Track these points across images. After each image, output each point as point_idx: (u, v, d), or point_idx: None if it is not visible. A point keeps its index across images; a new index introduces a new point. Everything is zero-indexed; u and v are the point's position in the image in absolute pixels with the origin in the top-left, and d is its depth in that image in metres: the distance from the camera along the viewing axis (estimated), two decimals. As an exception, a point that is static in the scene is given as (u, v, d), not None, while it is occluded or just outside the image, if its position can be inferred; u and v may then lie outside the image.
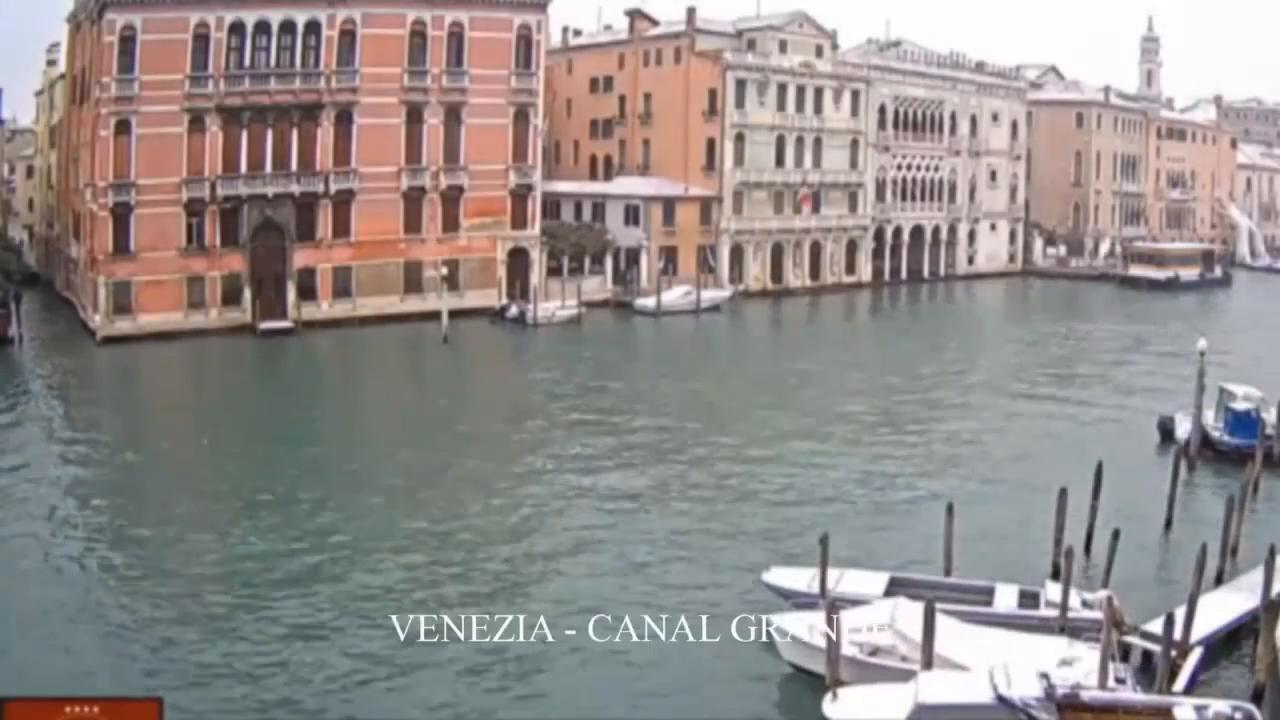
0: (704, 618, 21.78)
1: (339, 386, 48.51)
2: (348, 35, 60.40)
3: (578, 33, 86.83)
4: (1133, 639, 19.44)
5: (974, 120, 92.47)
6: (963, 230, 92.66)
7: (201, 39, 56.99)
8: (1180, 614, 18.54)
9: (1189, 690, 18.00)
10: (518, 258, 66.80)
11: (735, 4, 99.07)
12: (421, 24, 62.50)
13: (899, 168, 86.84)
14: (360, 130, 60.97)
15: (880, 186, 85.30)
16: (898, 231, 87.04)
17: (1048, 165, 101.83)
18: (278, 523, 27.53)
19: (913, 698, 16.55)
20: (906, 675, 17.49)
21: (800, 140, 79.43)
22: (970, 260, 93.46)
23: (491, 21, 64.61)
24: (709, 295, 69.93)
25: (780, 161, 78.46)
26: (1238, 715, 16.41)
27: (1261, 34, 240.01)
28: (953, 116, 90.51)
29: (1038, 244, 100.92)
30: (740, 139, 76.13)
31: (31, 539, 26.19)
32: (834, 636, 17.82)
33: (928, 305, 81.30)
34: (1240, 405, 34.42)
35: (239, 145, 58.13)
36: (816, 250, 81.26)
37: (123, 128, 55.88)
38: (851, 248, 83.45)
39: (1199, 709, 16.48)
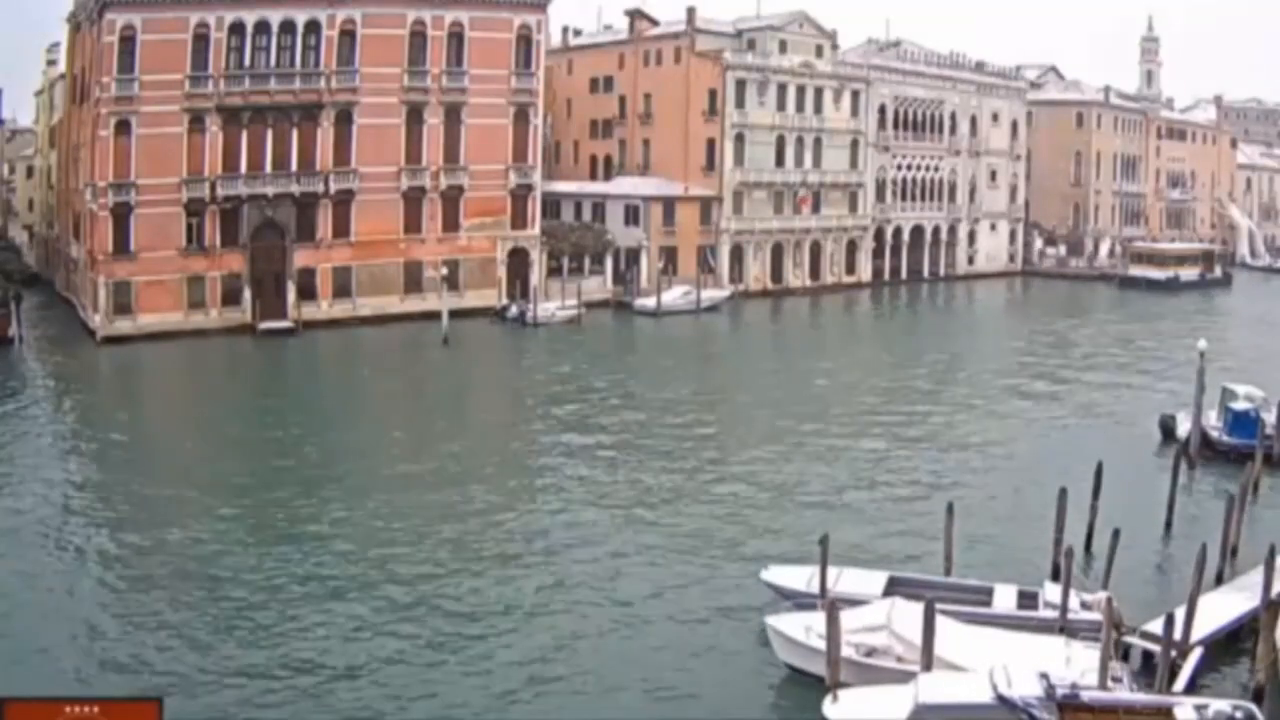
0: (703, 617, 21.82)
1: (339, 387, 48.51)
2: (348, 35, 60.41)
3: (578, 33, 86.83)
4: (1133, 639, 19.44)
5: (974, 120, 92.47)
6: (963, 230, 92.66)
7: (201, 39, 56.98)
8: (1180, 614, 18.54)
9: (1189, 690, 18.00)
10: (518, 258, 66.81)
11: (735, 4, 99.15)
12: (421, 24, 62.50)
13: (899, 168, 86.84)
14: (360, 130, 60.98)
15: (880, 186, 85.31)
16: (898, 231, 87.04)
17: (1048, 165, 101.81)
18: (278, 523, 27.57)
19: (913, 698, 16.54)
20: (903, 676, 17.48)
21: (800, 140, 79.42)
22: (970, 260, 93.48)
23: (491, 21, 64.61)
24: (709, 295, 69.94)
25: (780, 161, 78.45)
26: (1238, 715, 16.40)
27: (1261, 34, 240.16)
28: (953, 116, 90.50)
29: (1038, 244, 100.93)
30: (740, 139, 76.11)
31: (30, 539, 26.20)
32: (833, 637, 17.80)
33: (927, 305, 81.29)
34: (1240, 405, 34.42)
35: (239, 145, 58.11)
36: (816, 250, 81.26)
37: (123, 128, 55.87)
38: (851, 248, 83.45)
39: (1199, 709, 16.47)
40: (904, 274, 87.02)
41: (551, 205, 72.78)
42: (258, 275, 58.71)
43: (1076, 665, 17.65)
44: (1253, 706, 16.87)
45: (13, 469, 32.41)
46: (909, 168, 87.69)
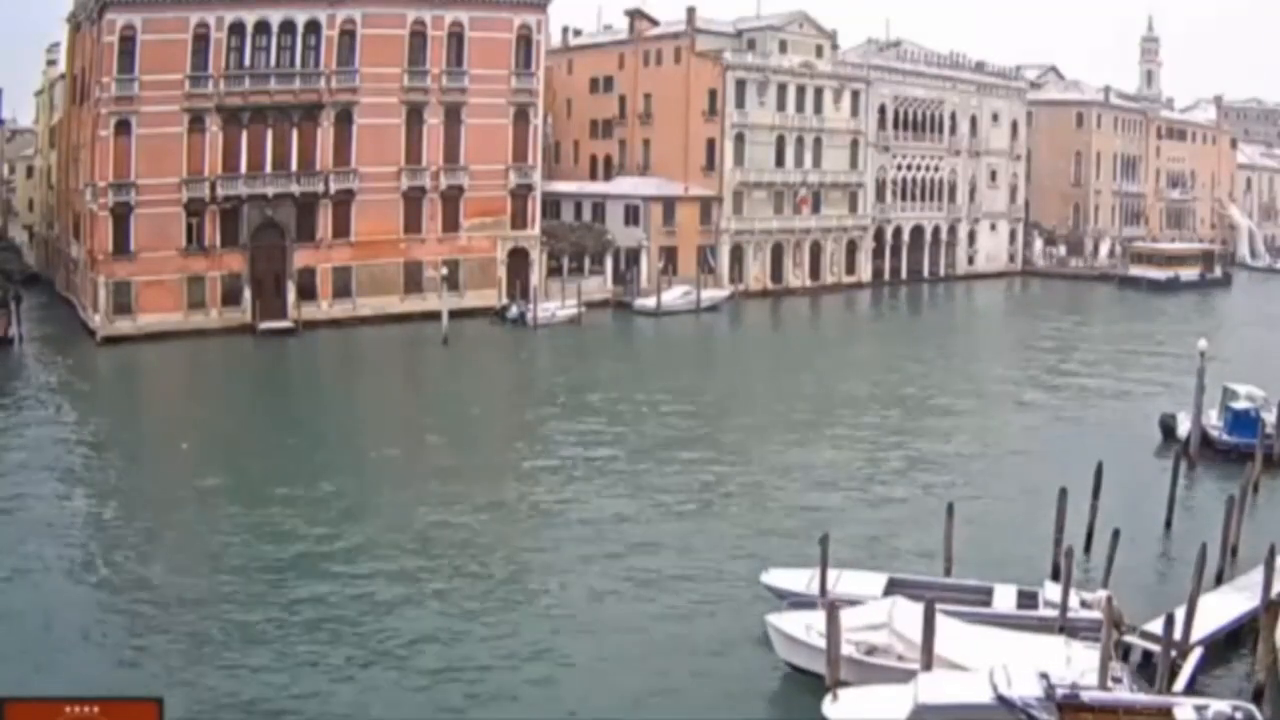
0: (703, 617, 21.83)
1: (338, 387, 48.51)
2: (348, 35, 60.40)
3: (578, 33, 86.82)
4: (1133, 639, 19.45)
5: (974, 120, 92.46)
6: (963, 230, 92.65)
7: (201, 39, 56.96)
8: (1180, 614, 18.54)
9: (1189, 690, 18.00)
10: (518, 258, 66.79)
11: (735, 4, 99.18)
12: (421, 24, 62.49)
13: (899, 168, 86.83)
14: (360, 130, 60.96)
15: (880, 186, 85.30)
16: (898, 231, 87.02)
17: (1048, 165, 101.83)
18: (278, 523, 27.53)
19: (913, 698, 16.54)
20: (904, 675, 17.48)
21: (800, 140, 79.42)
22: (970, 260, 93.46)
23: (491, 21, 64.61)
24: (709, 295, 69.94)
25: (780, 161, 78.45)
26: (1238, 715, 16.40)
27: (1261, 34, 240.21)
28: (953, 116, 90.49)
29: (1037, 244, 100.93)
30: (740, 139, 76.10)
31: (29, 538, 26.15)
32: (833, 636, 17.81)
33: (928, 305, 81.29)
34: (1240, 404, 34.42)
35: (239, 145, 58.10)
36: (816, 250, 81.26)
37: (123, 128, 55.85)
38: (851, 248, 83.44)
39: (1199, 709, 16.47)
40: (904, 274, 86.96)
41: (551, 205, 72.76)
42: (258, 275, 58.68)
43: (1076, 665, 17.64)
44: (1252, 707, 16.87)
45: (12, 469, 32.37)
46: (909, 168, 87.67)
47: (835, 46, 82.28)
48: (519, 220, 66.86)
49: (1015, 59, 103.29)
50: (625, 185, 75.86)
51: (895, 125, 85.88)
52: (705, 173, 75.80)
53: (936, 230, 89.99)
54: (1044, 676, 16.70)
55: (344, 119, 60.59)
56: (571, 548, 26.03)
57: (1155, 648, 18.49)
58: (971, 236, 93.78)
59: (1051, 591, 20.82)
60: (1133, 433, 37.27)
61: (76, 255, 62.50)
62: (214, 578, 23.84)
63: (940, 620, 17.83)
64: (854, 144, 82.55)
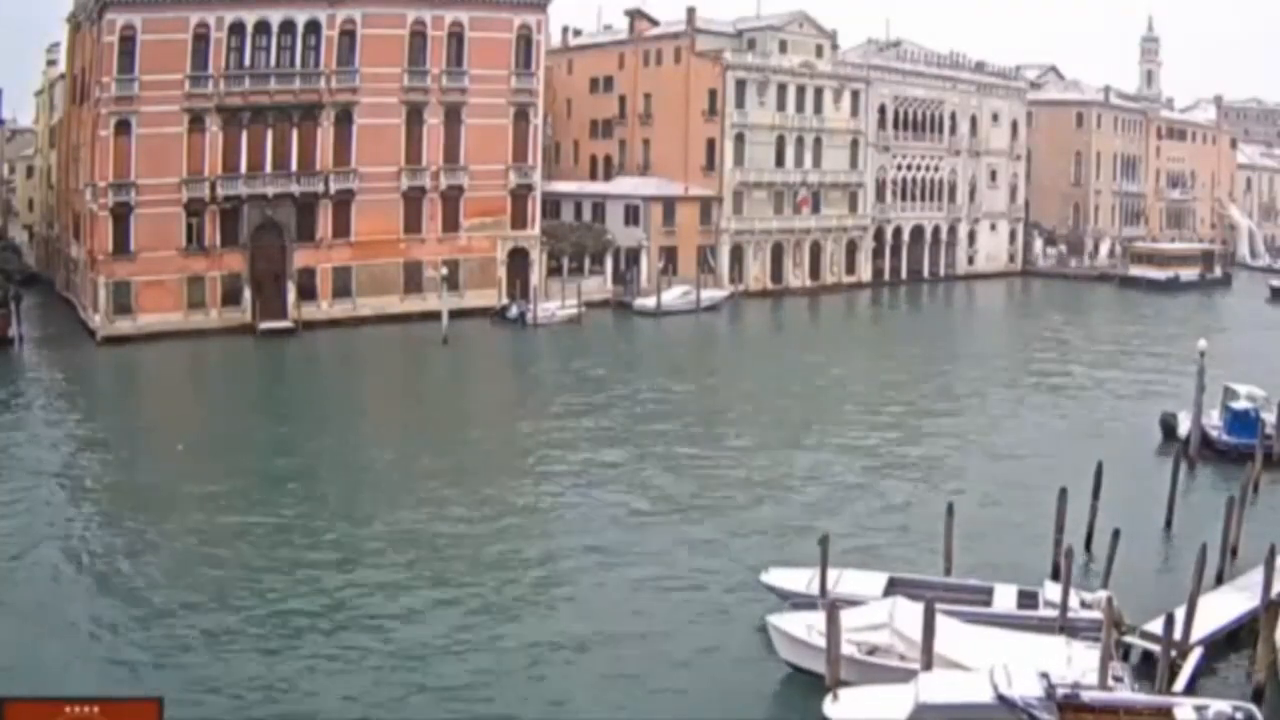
0: (703, 617, 21.83)
1: (338, 387, 48.48)
2: (348, 35, 60.40)
3: (578, 33, 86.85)
4: (1133, 639, 19.46)
5: (974, 120, 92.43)
6: (963, 230, 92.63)
7: (201, 39, 56.98)
8: (1180, 614, 18.56)
9: (1189, 690, 18.02)
10: (518, 258, 66.79)
11: (735, 4, 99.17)
12: (421, 24, 62.50)
13: (899, 168, 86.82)
14: (360, 130, 60.96)
15: (880, 186, 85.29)
16: (898, 231, 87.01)
17: (1048, 165, 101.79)
18: (276, 523, 27.54)
19: (913, 697, 16.54)
20: (905, 675, 17.49)
21: (800, 140, 79.42)
22: (970, 260, 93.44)
23: (491, 21, 64.61)
24: (708, 295, 69.95)
25: (780, 161, 78.45)
26: (1238, 715, 16.42)
27: (1261, 34, 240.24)
28: (953, 116, 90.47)
29: (1037, 244, 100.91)
30: (740, 139, 76.12)
31: (30, 539, 26.16)
32: (833, 636, 17.81)
33: (927, 305, 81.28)
34: (1240, 404, 34.43)
35: (239, 145, 58.10)
36: (816, 250, 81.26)
37: (123, 128, 55.87)
38: (851, 248, 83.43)
39: (1199, 709, 16.50)
40: (904, 274, 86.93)
41: (551, 205, 72.76)
42: (258, 275, 58.67)
43: (1077, 665, 17.67)
44: (1252, 706, 16.88)
45: (13, 469, 32.37)
46: (909, 168, 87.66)
47: (835, 46, 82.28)
48: (519, 220, 66.85)
49: (1015, 59, 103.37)
50: (625, 185, 75.88)
51: (895, 125, 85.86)
52: (705, 173, 75.80)
53: (936, 230, 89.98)
54: (1044, 676, 16.72)
55: (344, 119, 60.59)
56: (571, 548, 26.03)
57: (1155, 648, 18.50)
58: (971, 236, 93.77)
59: (1051, 591, 20.83)
60: (1133, 433, 37.29)
61: (76, 255, 62.50)
62: (212, 578, 23.81)
63: (940, 620, 17.84)
64: (854, 144, 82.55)
